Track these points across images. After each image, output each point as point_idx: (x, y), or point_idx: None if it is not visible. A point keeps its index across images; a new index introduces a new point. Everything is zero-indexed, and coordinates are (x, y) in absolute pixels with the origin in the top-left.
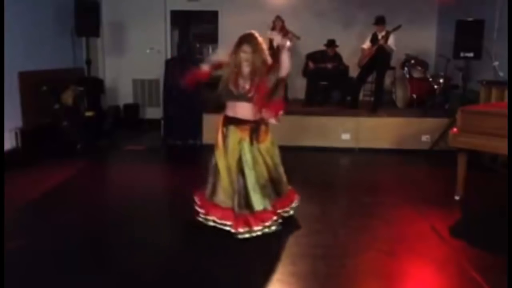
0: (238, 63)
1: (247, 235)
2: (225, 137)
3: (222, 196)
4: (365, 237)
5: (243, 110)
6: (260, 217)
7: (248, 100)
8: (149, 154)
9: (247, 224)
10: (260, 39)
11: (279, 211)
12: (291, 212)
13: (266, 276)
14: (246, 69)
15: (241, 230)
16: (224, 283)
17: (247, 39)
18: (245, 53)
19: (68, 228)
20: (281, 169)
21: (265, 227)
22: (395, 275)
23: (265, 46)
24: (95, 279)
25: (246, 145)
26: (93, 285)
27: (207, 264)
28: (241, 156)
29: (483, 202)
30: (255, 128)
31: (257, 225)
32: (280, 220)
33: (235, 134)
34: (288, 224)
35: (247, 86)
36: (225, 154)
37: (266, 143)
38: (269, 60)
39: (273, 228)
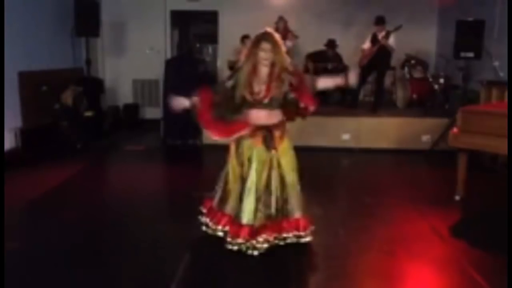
0: (256, 63)
1: (230, 246)
2: (238, 145)
3: (233, 204)
4: (365, 237)
5: (257, 116)
6: (245, 231)
7: (265, 106)
8: (149, 154)
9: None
10: (278, 37)
11: (271, 236)
12: (291, 240)
13: (266, 276)
14: (264, 69)
15: (228, 239)
16: (223, 282)
17: (265, 36)
18: (265, 52)
19: (68, 228)
20: (292, 190)
21: (242, 243)
22: (395, 275)
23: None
24: (95, 279)
25: (256, 150)
26: (93, 285)
27: (205, 263)
28: (251, 161)
29: (483, 202)
30: (268, 135)
31: (239, 238)
32: (264, 245)
33: (247, 142)
34: None
35: (263, 92)
36: (237, 163)
37: (282, 155)
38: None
39: (250, 251)
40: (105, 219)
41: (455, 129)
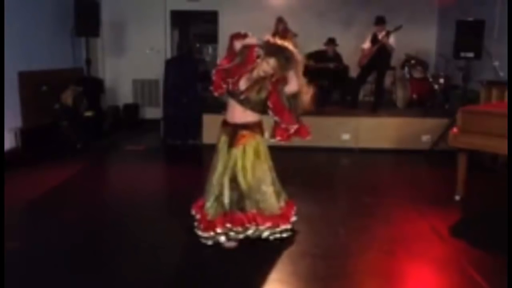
0: (255, 67)
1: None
2: (219, 138)
3: (205, 193)
4: (365, 237)
5: (232, 110)
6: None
7: (239, 101)
8: (149, 154)
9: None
10: (298, 58)
11: (227, 225)
12: (247, 232)
13: (266, 275)
14: (257, 73)
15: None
16: (223, 282)
17: (280, 53)
18: (268, 66)
19: (68, 228)
20: (251, 188)
21: (201, 233)
22: (395, 275)
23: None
24: (95, 280)
25: (222, 145)
26: (93, 285)
27: (205, 263)
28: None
29: (483, 202)
30: (232, 131)
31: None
32: (222, 237)
33: (221, 137)
34: None
35: (243, 87)
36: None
37: (245, 153)
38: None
39: (209, 242)
40: (105, 219)
41: (455, 129)
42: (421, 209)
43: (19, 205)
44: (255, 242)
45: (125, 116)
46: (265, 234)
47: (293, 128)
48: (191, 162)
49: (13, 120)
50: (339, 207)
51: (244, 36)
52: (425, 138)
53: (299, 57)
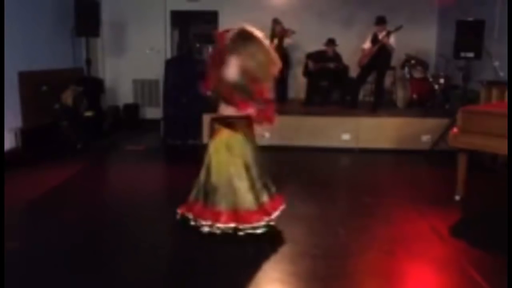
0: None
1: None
2: None
3: None
4: (365, 237)
5: (220, 104)
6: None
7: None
8: (149, 154)
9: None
10: (263, 47)
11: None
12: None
13: (266, 275)
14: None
15: None
16: (224, 283)
17: (239, 39)
18: (235, 59)
19: (68, 228)
20: (235, 182)
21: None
22: (395, 275)
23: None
24: (95, 280)
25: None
26: (93, 285)
27: (205, 264)
28: None
29: (483, 202)
30: (210, 125)
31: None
32: (192, 222)
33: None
34: (288, 225)
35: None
36: None
37: (214, 148)
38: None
39: (192, 223)
40: (105, 219)
41: (455, 129)
42: (421, 209)
43: (19, 205)
44: (256, 242)
45: (125, 116)
46: (228, 231)
47: (250, 110)
48: (191, 162)
49: (13, 120)
50: (339, 207)
51: (228, 31)
52: (425, 138)
53: (263, 39)
